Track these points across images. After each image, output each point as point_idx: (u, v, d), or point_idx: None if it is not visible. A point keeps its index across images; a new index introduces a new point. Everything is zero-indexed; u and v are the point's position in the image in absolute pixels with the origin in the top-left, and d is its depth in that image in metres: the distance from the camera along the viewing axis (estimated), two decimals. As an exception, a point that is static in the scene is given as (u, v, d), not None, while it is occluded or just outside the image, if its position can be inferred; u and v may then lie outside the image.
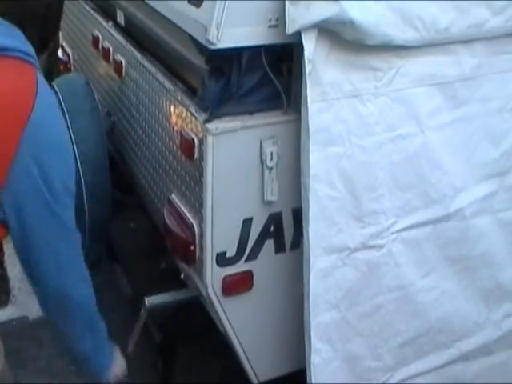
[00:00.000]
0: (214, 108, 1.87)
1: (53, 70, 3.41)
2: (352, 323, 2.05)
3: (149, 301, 2.32)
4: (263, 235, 2.02)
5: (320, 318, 1.97)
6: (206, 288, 2.03)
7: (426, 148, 1.99)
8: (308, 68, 1.75)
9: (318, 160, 1.85)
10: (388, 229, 2.01)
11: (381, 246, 2.02)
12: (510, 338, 2.34)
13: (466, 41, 1.95)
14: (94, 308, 1.89)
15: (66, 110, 2.57)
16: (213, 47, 1.74)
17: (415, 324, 2.14)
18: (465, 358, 2.27)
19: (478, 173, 2.11)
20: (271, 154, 1.91)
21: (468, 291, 2.19)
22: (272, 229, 2.03)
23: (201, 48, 1.89)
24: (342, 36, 1.76)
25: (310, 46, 1.74)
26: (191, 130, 1.96)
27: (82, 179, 2.49)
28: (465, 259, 2.16)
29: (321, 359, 2.00)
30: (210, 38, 1.72)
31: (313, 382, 2.00)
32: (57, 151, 1.69)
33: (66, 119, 2.54)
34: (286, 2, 1.71)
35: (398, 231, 2.02)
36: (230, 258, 2.00)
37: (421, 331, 2.16)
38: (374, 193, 1.96)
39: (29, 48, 1.72)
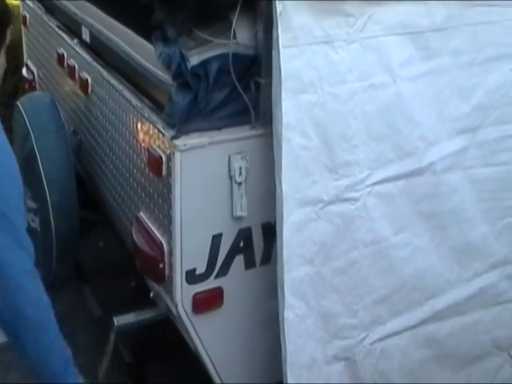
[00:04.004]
0: (182, 124, 1.87)
1: (18, 88, 3.38)
2: (327, 279, 2.01)
3: (118, 321, 2.28)
4: (233, 251, 2.01)
5: (294, 273, 1.93)
6: (176, 306, 2.01)
7: (399, 99, 1.98)
8: (279, 8, 1.71)
9: (290, 108, 1.81)
10: (362, 181, 1.99)
11: (355, 200, 1.99)
12: (481, 298, 2.34)
13: None
14: (52, 331, 1.76)
15: (31, 129, 2.56)
16: None
17: (389, 280, 2.13)
18: (438, 317, 2.27)
19: (450, 127, 2.10)
20: (240, 169, 1.91)
21: (440, 249, 2.19)
22: (242, 244, 2.02)
23: (168, 64, 1.89)
24: None
25: None
26: (159, 146, 1.95)
27: (49, 199, 2.46)
28: (437, 215, 2.15)
29: (294, 316, 1.96)
30: None
31: (286, 338, 1.95)
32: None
33: (31, 138, 2.53)
34: None
35: (373, 184, 2.01)
36: (199, 275, 1.99)
37: (394, 288, 2.15)
38: (348, 143, 1.93)
39: None
